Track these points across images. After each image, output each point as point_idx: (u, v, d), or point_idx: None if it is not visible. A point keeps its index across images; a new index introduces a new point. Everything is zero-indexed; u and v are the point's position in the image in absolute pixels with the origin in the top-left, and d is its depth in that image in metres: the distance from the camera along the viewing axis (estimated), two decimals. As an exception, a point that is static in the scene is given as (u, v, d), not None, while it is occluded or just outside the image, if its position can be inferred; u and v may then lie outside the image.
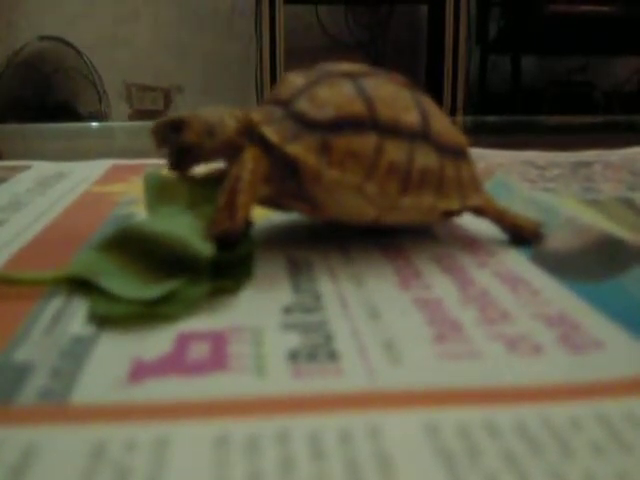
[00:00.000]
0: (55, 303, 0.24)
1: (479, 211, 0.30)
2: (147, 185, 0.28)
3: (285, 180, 0.27)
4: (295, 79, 0.28)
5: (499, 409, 0.17)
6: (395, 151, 0.27)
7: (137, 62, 2.05)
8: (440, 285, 0.26)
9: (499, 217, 0.31)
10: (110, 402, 0.18)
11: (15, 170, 0.47)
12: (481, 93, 1.97)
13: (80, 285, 0.24)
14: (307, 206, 0.28)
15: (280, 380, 0.19)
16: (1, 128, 0.99)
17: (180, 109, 2.01)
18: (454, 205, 0.29)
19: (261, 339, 0.21)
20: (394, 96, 0.28)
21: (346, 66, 0.29)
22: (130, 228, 0.26)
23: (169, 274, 0.24)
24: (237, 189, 0.26)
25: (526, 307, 0.23)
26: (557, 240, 0.31)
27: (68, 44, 1.91)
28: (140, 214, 0.35)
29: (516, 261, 0.28)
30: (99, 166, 0.48)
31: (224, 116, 0.27)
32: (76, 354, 0.20)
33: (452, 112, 1.80)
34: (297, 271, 0.27)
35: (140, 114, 1.98)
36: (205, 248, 0.24)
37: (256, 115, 0.27)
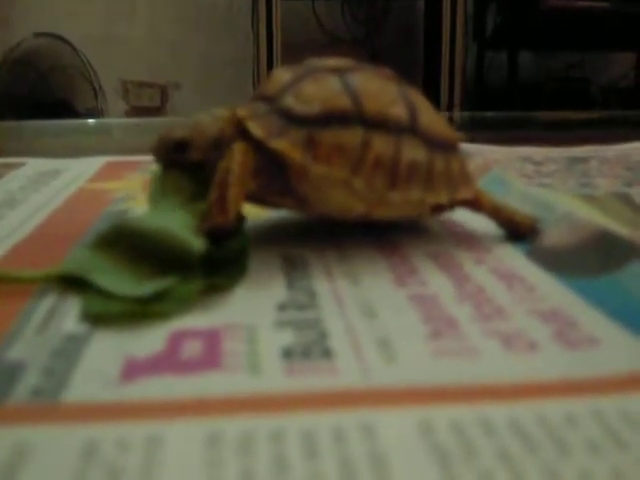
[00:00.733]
0: (48, 301, 0.23)
1: (475, 206, 0.30)
2: (154, 177, 0.28)
3: (272, 176, 0.27)
4: (282, 75, 0.28)
5: (494, 406, 0.17)
6: (382, 145, 0.27)
7: (133, 59, 2.04)
8: (436, 282, 0.25)
9: (495, 213, 0.30)
10: (102, 401, 0.17)
11: (10, 167, 0.47)
12: (478, 89, 1.97)
13: (73, 283, 0.24)
14: (295, 202, 0.28)
15: (274, 378, 0.18)
16: (-3, 125, 0.98)
17: (177, 106, 2.01)
18: (443, 199, 0.29)
19: (255, 337, 0.21)
20: (380, 90, 0.28)
21: (333, 61, 0.29)
22: (123, 225, 0.26)
23: (162, 272, 0.24)
24: (227, 183, 0.25)
25: (522, 303, 0.23)
26: (553, 236, 0.31)
27: (64, 41, 1.91)
28: (135, 210, 0.35)
29: (512, 257, 0.28)
30: (94, 163, 0.48)
31: (222, 125, 0.27)
32: (68, 352, 0.20)
33: (449, 108, 1.80)
34: (292, 268, 0.27)
35: (137, 111, 1.98)
36: (197, 243, 0.24)
37: (242, 111, 0.27)
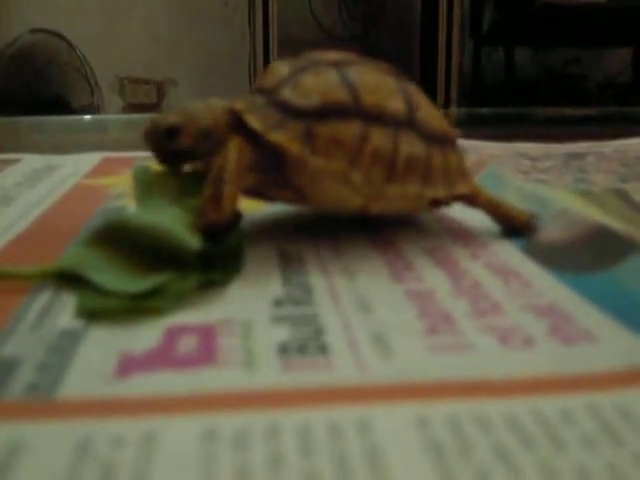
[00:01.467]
0: (43, 297, 0.23)
1: (471, 202, 0.30)
2: (136, 178, 0.28)
3: (270, 169, 0.27)
4: (280, 68, 0.28)
5: (490, 402, 0.17)
6: (380, 138, 0.27)
7: (130, 55, 2.04)
8: (432, 277, 0.25)
9: (492, 208, 0.30)
10: (97, 397, 0.17)
11: (5, 163, 0.47)
12: (475, 85, 1.97)
13: (68, 279, 0.24)
14: (293, 195, 0.28)
15: (270, 374, 0.18)
16: (-7, 121, 0.98)
17: (174, 103, 2.00)
18: (440, 193, 0.28)
19: (251, 332, 0.21)
20: (379, 84, 0.28)
21: (332, 55, 0.29)
22: (118, 221, 0.26)
23: (158, 267, 0.24)
24: (222, 180, 0.25)
25: (518, 299, 0.23)
26: (550, 231, 0.31)
27: (60, 37, 1.90)
28: (130, 207, 0.35)
29: (508, 253, 0.28)
30: (90, 159, 0.48)
31: (216, 115, 0.27)
32: (63, 349, 0.20)
33: (446, 104, 1.80)
34: (288, 264, 0.27)
35: (133, 107, 1.97)
36: (193, 240, 0.24)
37: (239, 104, 0.27)
